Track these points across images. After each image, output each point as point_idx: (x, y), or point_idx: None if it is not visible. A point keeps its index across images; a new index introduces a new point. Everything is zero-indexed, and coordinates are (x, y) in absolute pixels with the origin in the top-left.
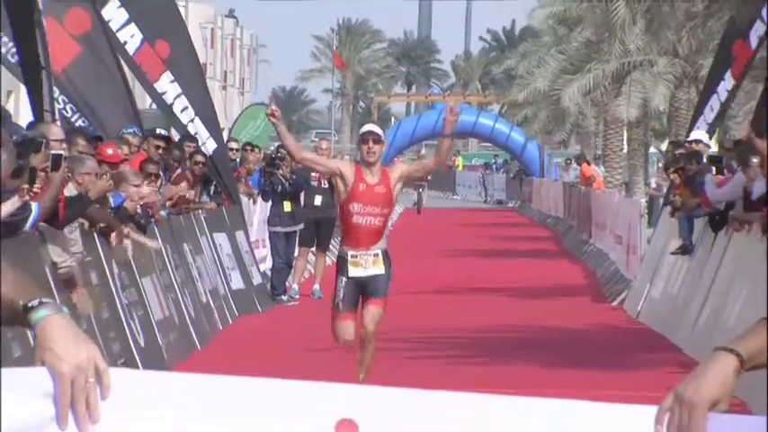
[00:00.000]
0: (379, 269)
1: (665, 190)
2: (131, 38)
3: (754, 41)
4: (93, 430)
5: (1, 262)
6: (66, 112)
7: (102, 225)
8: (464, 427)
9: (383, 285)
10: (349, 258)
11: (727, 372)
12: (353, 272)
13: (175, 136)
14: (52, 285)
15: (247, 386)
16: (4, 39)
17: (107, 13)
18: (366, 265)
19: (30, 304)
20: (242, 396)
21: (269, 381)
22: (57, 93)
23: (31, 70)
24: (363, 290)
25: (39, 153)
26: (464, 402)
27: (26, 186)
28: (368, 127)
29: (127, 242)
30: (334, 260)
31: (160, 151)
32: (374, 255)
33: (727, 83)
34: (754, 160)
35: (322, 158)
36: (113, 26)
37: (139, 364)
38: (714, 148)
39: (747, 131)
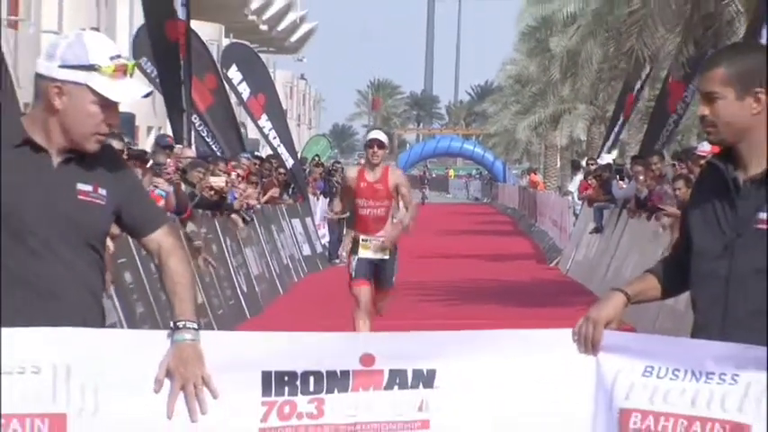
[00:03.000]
0: (384, 255)
1: (571, 189)
2: (245, 90)
3: (636, 93)
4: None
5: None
6: (208, 139)
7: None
8: (449, 354)
9: (389, 276)
10: (360, 241)
11: (617, 303)
12: (362, 253)
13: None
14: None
15: (294, 338)
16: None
17: (231, 73)
18: (374, 249)
19: (179, 323)
20: (290, 344)
21: (314, 334)
22: (202, 126)
23: (173, 110)
24: (373, 268)
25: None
26: (448, 339)
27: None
28: (374, 134)
29: (238, 221)
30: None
31: (257, 166)
32: (381, 240)
33: (621, 121)
34: (641, 178)
35: (339, 197)
36: (234, 82)
37: (243, 304)
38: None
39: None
